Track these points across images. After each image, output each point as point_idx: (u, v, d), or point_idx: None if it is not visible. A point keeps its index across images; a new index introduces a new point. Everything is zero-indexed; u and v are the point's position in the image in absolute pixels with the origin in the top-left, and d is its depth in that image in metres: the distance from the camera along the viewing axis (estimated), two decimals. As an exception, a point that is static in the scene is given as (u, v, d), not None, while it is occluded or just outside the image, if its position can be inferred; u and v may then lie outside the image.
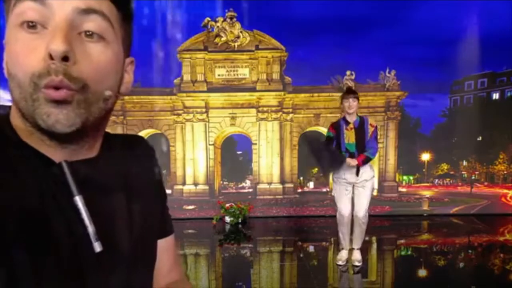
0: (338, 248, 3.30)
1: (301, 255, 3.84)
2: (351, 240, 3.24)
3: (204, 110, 6.61)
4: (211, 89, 6.58)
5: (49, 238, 0.40)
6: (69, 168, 0.42)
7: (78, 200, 0.42)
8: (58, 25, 0.38)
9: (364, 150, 2.98)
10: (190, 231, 5.09)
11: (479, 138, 7.36)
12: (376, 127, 3.08)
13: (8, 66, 0.40)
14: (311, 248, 4.14)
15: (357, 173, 3.02)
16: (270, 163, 6.92)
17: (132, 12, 0.48)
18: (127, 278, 0.48)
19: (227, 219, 5.23)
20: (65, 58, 0.38)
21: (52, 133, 0.40)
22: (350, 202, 3.17)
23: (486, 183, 7.15)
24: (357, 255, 3.17)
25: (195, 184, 6.71)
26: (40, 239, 0.39)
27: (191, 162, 6.72)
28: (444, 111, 8.16)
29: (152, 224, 0.54)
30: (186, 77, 6.57)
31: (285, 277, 3.22)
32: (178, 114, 6.63)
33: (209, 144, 6.71)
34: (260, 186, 6.90)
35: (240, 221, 5.22)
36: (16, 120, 0.42)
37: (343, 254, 3.25)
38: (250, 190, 7.07)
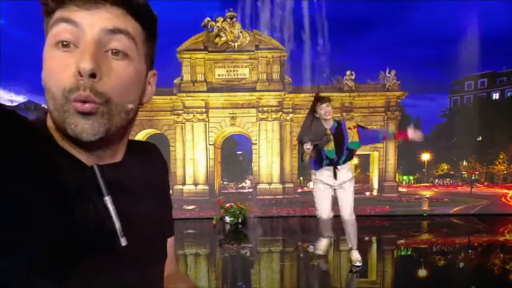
0: (338, 247, 3.31)
1: (301, 255, 3.84)
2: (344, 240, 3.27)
3: (204, 110, 6.60)
4: (211, 89, 6.58)
5: (85, 233, 0.44)
6: (99, 171, 0.47)
7: (108, 200, 0.47)
8: (87, 44, 0.43)
9: (342, 154, 2.95)
10: (190, 231, 5.09)
11: (479, 138, 7.36)
12: (356, 126, 2.99)
13: (44, 80, 0.45)
14: (311, 248, 4.14)
15: (335, 176, 3.02)
16: (270, 163, 6.92)
17: (156, 31, 0.52)
18: (145, 271, 0.54)
19: (227, 219, 5.23)
20: (92, 75, 0.43)
21: (79, 141, 0.45)
22: (330, 205, 3.16)
23: (486, 183, 7.15)
24: (356, 255, 3.17)
25: (195, 184, 6.70)
26: (78, 233, 0.44)
27: (191, 162, 6.71)
28: (444, 111, 8.18)
29: (164, 225, 0.62)
30: (186, 77, 6.56)
31: (285, 277, 3.22)
32: (178, 114, 6.62)
33: (209, 144, 6.70)
34: (260, 186, 6.90)
35: (240, 221, 5.22)
36: (51, 124, 0.48)
37: (324, 243, 3.26)
38: (250, 190, 7.07)
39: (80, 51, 0.43)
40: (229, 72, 6.68)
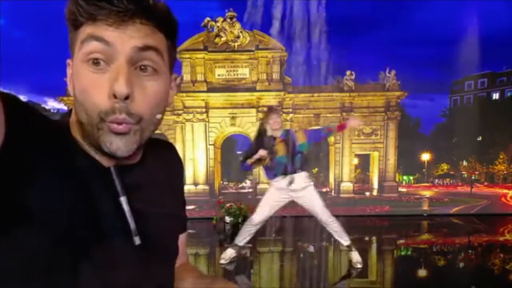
0: (338, 247, 3.31)
1: (301, 255, 3.85)
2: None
3: (204, 110, 6.60)
4: (211, 89, 6.57)
5: (101, 232, 0.47)
6: (116, 172, 0.49)
7: (123, 201, 0.49)
8: (120, 65, 0.44)
9: (295, 158, 3.01)
10: (190, 231, 5.09)
11: (479, 138, 7.36)
12: (302, 129, 3.26)
13: (75, 93, 0.47)
14: (311, 248, 4.14)
15: (290, 183, 3.02)
16: (270, 163, 6.91)
17: (177, 36, 0.53)
18: (159, 268, 0.56)
19: (227, 219, 5.23)
20: (126, 97, 0.44)
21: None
22: (270, 214, 3.16)
23: (486, 183, 7.16)
24: (357, 257, 3.17)
25: (195, 184, 6.69)
26: (93, 233, 0.46)
27: (191, 162, 6.70)
28: (444, 111, 8.21)
29: (177, 222, 0.64)
30: (186, 77, 6.56)
31: (285, 277, 3.22)
32: (178, 114, 6.62)
33: (209, 144, 6.70)
34: (260, 186, 6.89)
35: (240, 221, 5.22)
36: (74, 127, 0.49)
37: (228, 253, 3.25)
38: (250, 190, 7.07)
39: (114, 72, 0.44)
40: (229, 72, 6.68)
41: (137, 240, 0.49)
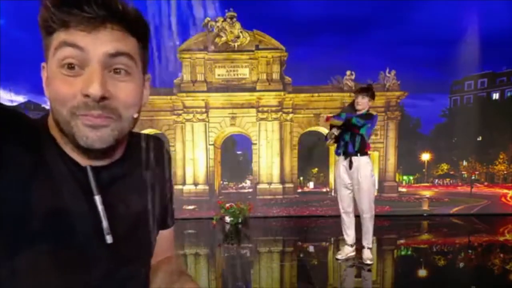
0: (338, 247, 3.31)
1: (301, 255, 3.84)
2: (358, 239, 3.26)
3: (204, 110, 6.60)
4: (211, 89, 6.58)
5: (72, 230, 0.48)
6: (92, 172, 0.50)
7: (97, 199, 0.50)
8: (94, 69, 0.46)
9: (356, 139, 3.08)
10: (190, 231, 5.09)
11: (479, 138, 7.36)
12: (375, 116, 3.21)
13: (49, 95, 0.48)
14: (311, 248, 4.14)
15: (350, 166, 3.08)
16: (270, 163, 6.91)
17: (149, 37, 0.54)
18: (133, 266, 0.57)
19: (227, 219, 5.23)
20: (102, 99, 0.46)
21: (87, 149, 0.48)
22: (352, 200, 3.20)
23: (486, 183, 7.15)
24: (368, 254, 3.18)
25: (195, 184, 6.70)
26: (65, 230, 0.47)
27: (191, 162, 6.71)
28: (444, 111, 8.20)
29: (158, 218, 0.64)
30: (186, 77, 6.56)
31: (285, 277, 3.22)
32: (178, 114, 6.62)
33: (209, 144, 6.70)
34: (260, 186, 6.89)
35: (240, 221, 5.22)
36: (52, 124, 0.51)
37: (345, 250, 3.28)
38: (250, 190, 7.07)
39: (88, 76, 0.46)
40: (229, 72, 6.68)
41: (109, 239, 0.51)
